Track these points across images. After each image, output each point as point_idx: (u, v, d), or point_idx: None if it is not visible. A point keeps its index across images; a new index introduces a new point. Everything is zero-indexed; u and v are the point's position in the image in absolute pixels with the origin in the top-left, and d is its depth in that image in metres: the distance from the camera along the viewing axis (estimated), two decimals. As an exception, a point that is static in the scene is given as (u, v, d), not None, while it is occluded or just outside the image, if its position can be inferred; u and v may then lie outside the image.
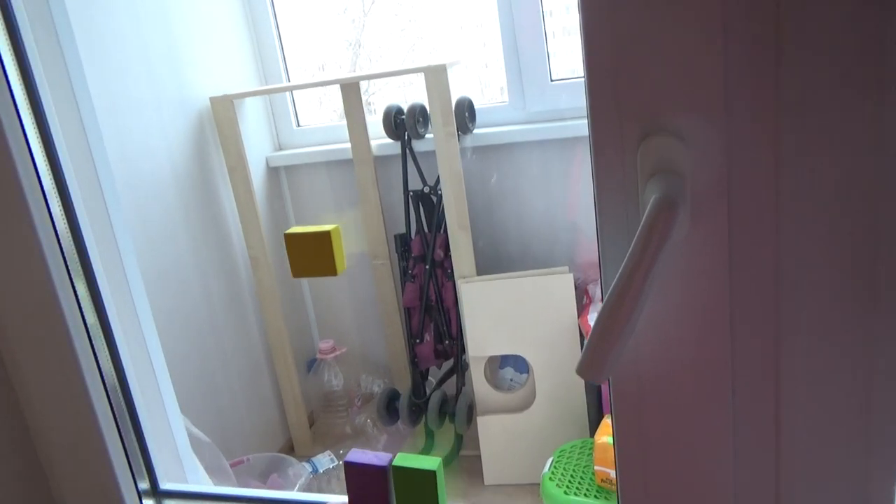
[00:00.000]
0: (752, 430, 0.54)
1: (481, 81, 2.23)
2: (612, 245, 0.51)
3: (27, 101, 0.71)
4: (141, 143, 1.76)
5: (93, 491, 0.81)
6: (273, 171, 2.26)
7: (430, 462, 0.64)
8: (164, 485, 0.83)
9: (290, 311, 2.28)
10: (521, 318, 1.91)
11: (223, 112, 1.98)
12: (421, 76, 1.85)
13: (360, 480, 0.63)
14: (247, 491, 0.81)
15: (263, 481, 1.82)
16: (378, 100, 2.35)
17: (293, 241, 0.61)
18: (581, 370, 0.49)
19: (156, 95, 1.82)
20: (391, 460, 0.62)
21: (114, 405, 0.79)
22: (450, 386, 2.11)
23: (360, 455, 0.62)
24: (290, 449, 2.23)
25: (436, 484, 0.63)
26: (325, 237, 0.59)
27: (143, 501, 0.81)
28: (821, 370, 0.51)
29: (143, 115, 1.78)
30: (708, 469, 0.55)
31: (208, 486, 0.83)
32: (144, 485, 0.82)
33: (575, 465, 1.70)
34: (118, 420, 0.79)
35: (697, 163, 0.47)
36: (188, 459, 0.96)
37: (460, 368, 2.07)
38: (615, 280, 0.46)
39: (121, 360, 0.81)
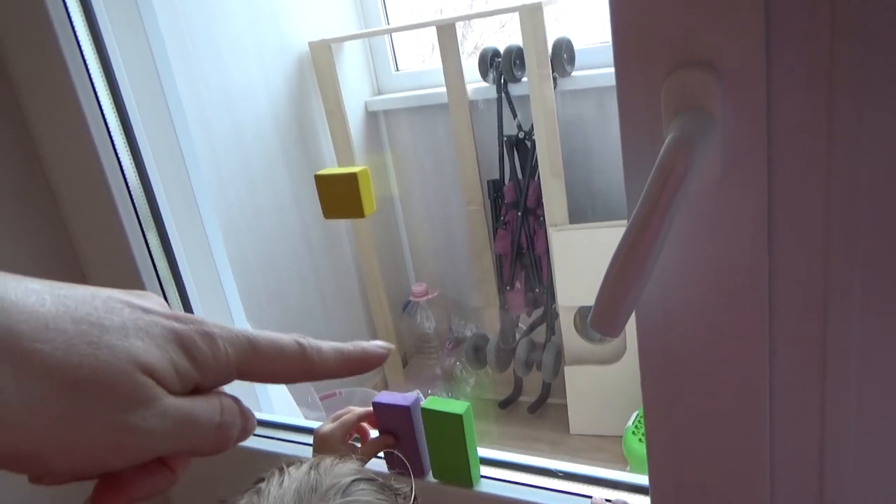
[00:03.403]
0: (792, 403, 0.49)
1: (603, 21, 2.10)
2: (635, 192, 0.47)
3: (97, 57, 0.75)
4: (243, 89, 1.84)
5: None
6: (372, 116, 2.28)
7: (459, 406, 0.63)
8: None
9: (386, 254, 2.34)
10: (615, 269, 1.84)
11: (322, 57, 2.01)
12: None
13: (388, 419, 0.64)
14: (304, 422, 0.85)
15: (354, 415, 1.90)
16: (489, 42, 2.29)
17: (323, 183, 0.61)
18: (593, 322, 0.46)
19: (257, 41, 1.88)
20: (415, 401, 0.63)
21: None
22: (539, 334, 2.09)
23: (387, 396, 0.64)
24: (384, 387, 2.31)
25: (463, 427, 0.63)
26: (352, 179, 0.59)
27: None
28: (874, 338, 0.45)
29: (245, 61, 1.84)
30: (741, 442, 0.51)
31: (271, 414, 0.87)
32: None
33: (661, 422, 1.65)
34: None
35: (731, 98, 0.42)
36: (263, 390, 1.02)
37: (550, 317, 2.05)
38: (628, 226, 0.42)
39: (190, 305, 0.86)
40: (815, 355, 0.48)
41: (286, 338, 0.30)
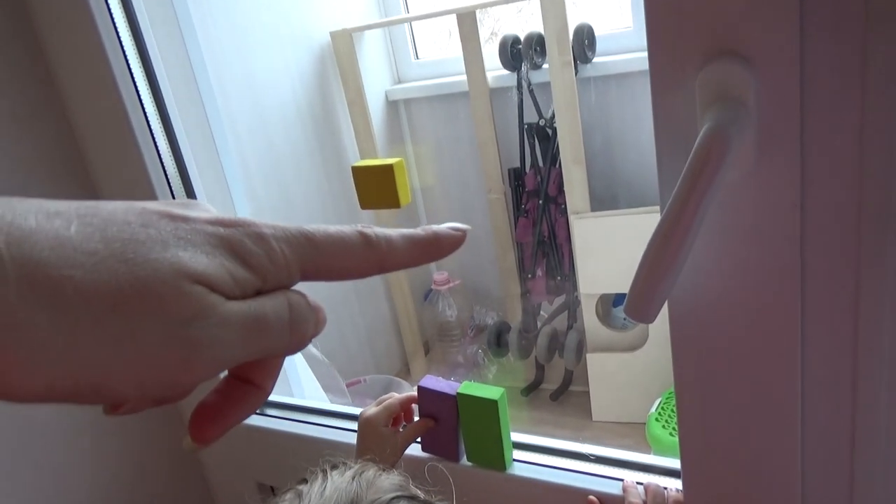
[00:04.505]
0: (824, 388, 0.50)
1: (622, 6, 2.10)
2: (669, 182, 0.48)
3: (136, 50, 0.77)
4: (267, 79, 1.85)
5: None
6: (392, 105, 2.29)
7: (494, 392, 0.65)
8: (266, 396, 0.91)
9: (408, 243, 2.35)
10: (636, 256, 1.84)
11: (343, 46, 2.02)
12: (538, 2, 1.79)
13: (431, 404, 0.66)
14: (335, 406, 0.87)
15: (378, 401, 1.93)
16: (505, 28, 2.28)
17: (359, 174, 0.62)
18: (628, 310, 0.47)
19: (279, 32, 1.89)
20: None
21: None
22: (560, 321, 2.10)
23: (433, 382, 0.65)
24: (406, 374, 2.34)
25: (497, 412, 0.64)
26: (388, 170, 0.60)
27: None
28: (907, 321, 0.46)
29: (268, 52, 1.86)
30: (773, 428, 0.52)
31: (302, 399, 0.89)
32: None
33: (684, 408, 1.66)
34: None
35: (765, 88, 0.43)
36: (295, 376, 1.04)
37: (572, 305, 2.06)
38: (663, 215, 0.43)
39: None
40: (847, 342, 0.48)
41: (347, 229, 0.28)
